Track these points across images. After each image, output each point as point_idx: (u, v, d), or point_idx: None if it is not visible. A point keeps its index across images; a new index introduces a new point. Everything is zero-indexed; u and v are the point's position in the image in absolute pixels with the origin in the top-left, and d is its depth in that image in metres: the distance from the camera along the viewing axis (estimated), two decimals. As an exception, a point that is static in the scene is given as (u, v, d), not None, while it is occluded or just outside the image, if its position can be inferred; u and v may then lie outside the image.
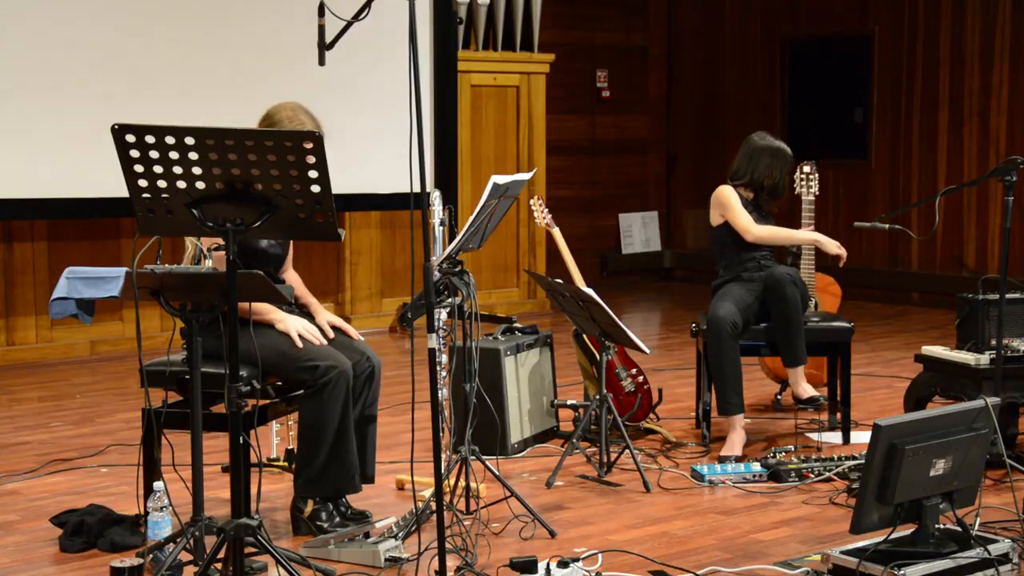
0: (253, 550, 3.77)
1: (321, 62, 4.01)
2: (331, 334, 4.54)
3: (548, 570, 3.85)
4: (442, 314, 4.85)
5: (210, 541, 3.73)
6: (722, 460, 5.35)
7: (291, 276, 4.73)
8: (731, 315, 5.42)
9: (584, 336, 5.78)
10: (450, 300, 4.45)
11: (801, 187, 6.30)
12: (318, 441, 4.32)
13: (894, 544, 3.82)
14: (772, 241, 5.70)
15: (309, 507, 4.40)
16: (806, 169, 6.27)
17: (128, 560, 3.89)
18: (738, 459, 5.34)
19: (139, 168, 3.42)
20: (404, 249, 9.39)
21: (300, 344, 4.30)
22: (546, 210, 6.02)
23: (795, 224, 6.02)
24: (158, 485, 4.02)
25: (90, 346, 8.17)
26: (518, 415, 5.63)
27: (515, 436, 5.58)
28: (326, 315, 4.65)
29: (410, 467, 4.08)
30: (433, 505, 4.00)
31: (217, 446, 4.92)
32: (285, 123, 4.37)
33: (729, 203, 5.69)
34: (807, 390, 5.58)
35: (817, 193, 6.37)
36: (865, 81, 10.52)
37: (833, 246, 5.69)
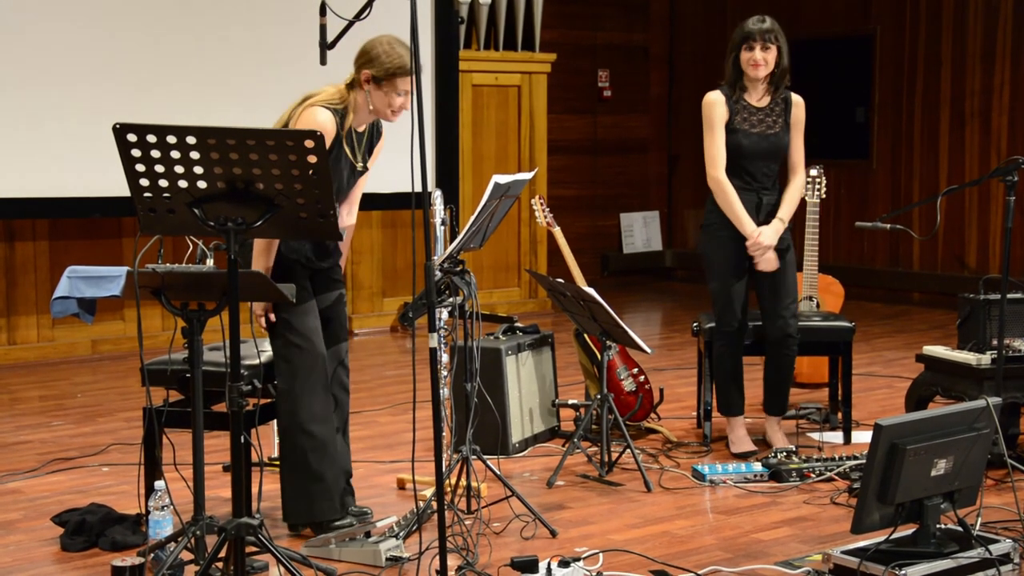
0: (254, 549, 3.77)
1: (323, 61, 4.02)
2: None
3: (549, 570, 3.85)
4: (443, 314, 4.85)
5: (211, 540, 3.73)
6: (744, 457, 5.39)
7: (353, 200, 4.57)
8: (735, 320, 5.41)
9: (585, 336, 5.78)
10: (451, 300, 4.45)
11: (807, 191, 6.28)
12: (296, 472, 4.34)
13: (895, 544, 3.82)
14: (719, 199, 5.36)
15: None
16: (813, 173, 6.25)
17: (129, 559, 3.89)
18: (752, 454, 5.43)
19: (141, 167, 3.42)
20: (405, 249, 9.39)
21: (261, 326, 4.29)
22: (547, 210, 6.02)
23: (799, 226, 6.01)
24: (159, 484, 4.02)
25: (91, 345, 8.17)
26: (519, 415, 5.63)
27: (516, 435, 5.58)
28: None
29: (411, 466, 4.08)
30: (434, 504, 4.00)
31: (218, 445, 4.93)
32: (382, 57, 4.26)
33: (706, 119, 5.39)
34: (781, 439, 5.57)
35: (823, 197, 6.35)
36: (867, 81, 10.52)
37: (761, 258, 5.36)
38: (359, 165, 4.39)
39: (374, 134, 4.50)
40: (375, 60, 4.26)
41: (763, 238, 5.31)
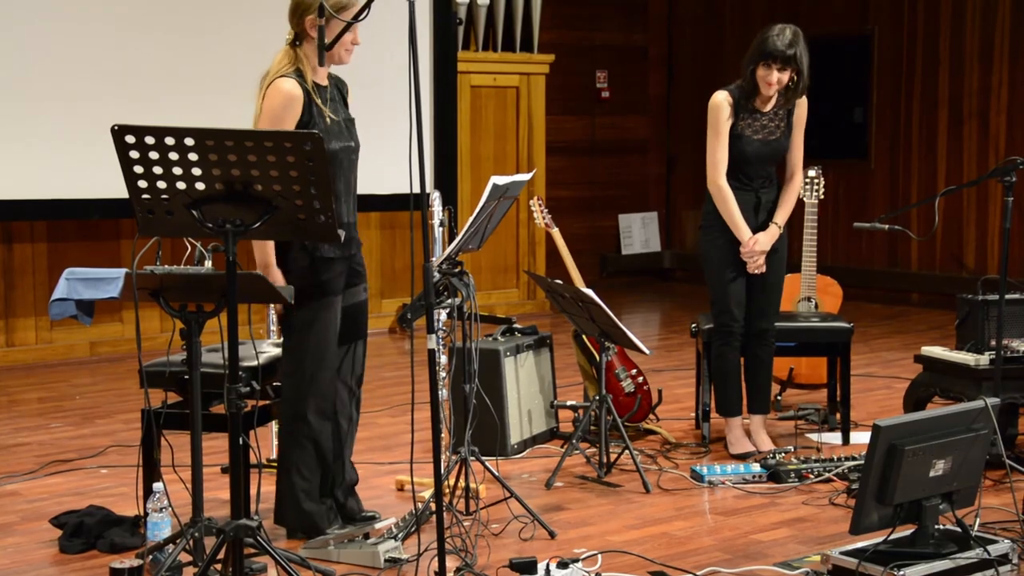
0: (252, 551, 3.77)
1: (321, 62, 4.02)
2: None
3: (548, 571, 3.85)
4: (442, 315, 4.85)
5: (210, 542, 3.73)
6: (743, 458, 5.38)
7: None
8: (734, 321, 5.41)
9: (584, 337, 5.78)
10: (450, 301, 4.45)
11: (805, 191, 6.27)
12: (289, 475, 4.34)
13: (894, 545, 3.82)
14: (719, 205, 5.34)
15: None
16: (811, 173, 6.24)
17: (128, 561, 3.89)
18: (750, 455, 5.42)
19: (139, 169, 3.42)
20: (404, 250, 9.39)
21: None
22: (546, 211, 6.02)
23: (797, 226, 6.00)
24: (157, 486, 4.02)
25: (90, 347, 8.17)
26: (518, 416, 5.63)
27: (515, 437, 5.58)
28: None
29: (410, 468, 4.08)
30: (433, 506, 4.00)
31: (216, 447, 4.92)
32: None
33: (711, 124, 5.35)
34: (766, 442, 5.55)
35: (822, 197, 6.34)
36: (865, 81, 10.52)
37: (751, 264, 5.37)
38: (339, 118, 4.31)
39: (340, 87, 4.45)
40: (313, 4, 4.20)
41: (759, 245, 5.33)
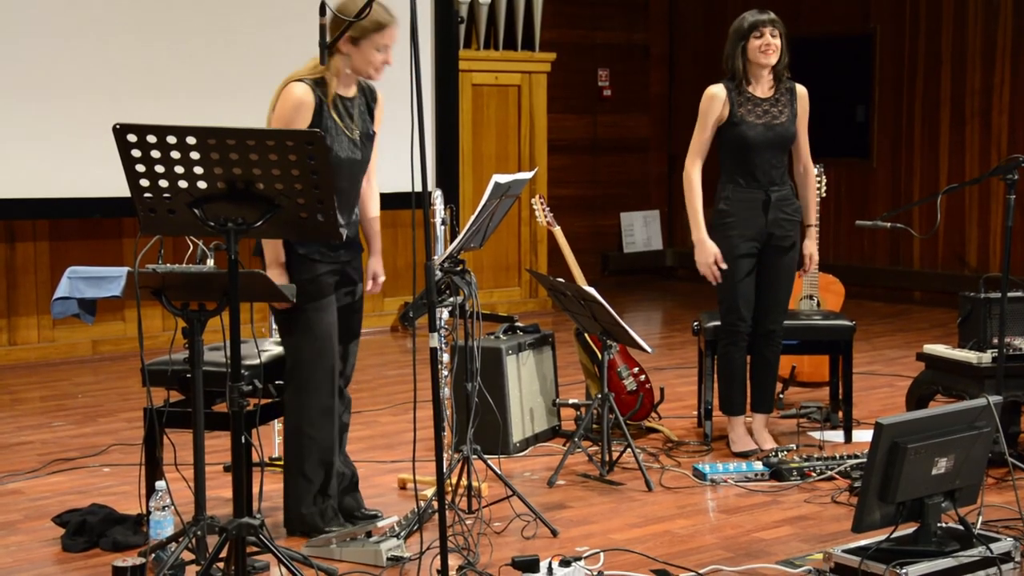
0: (255, 549, 3.77)
1: (322, 62, 4.02)
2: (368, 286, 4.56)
3: (550, 569, 3.85)
4: (444, 313, 4.85)
5: (212, 540, 3.73)
6: (745, 456, 5.38)
7: (371, 188, 4.61)
8: (741, 320, 5.41)
9: (586, 335, 5.78)
10: (452, 299, 4.45)
11: None
12: (294, 478, 4.35)
13: (896, 543, 3.82)
14: (685, 193, 5.41)
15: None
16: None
17: (130, 560, 3.89)
18: (752, 453, 5.42)
19: (141, 168, 3.42)
20: (406, 248, 9.38)
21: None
22: (547, 209, 6.02)
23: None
24: (160, 484, 4.02)
25: (92, 346, 8.17)
26: (520, 414, 5.63)
27: (517, 435, 5.58)
28: (377, 264, 4.57)
29: (412, 466, 4.08)
30: (435, 504, 4.00)
31: (219, 445, 4.93)
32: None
33: (700, 114, 5.43)
34: (768, 440, 5.56)
35: (824, 196, 6.35)
36: (867, 80, 10.51)
37: (702, 264, 5.38)
38: (353, 133, 4.32)
39: (368, 98, 4.44)
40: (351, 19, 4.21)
41: (813, 262, 5.54)
